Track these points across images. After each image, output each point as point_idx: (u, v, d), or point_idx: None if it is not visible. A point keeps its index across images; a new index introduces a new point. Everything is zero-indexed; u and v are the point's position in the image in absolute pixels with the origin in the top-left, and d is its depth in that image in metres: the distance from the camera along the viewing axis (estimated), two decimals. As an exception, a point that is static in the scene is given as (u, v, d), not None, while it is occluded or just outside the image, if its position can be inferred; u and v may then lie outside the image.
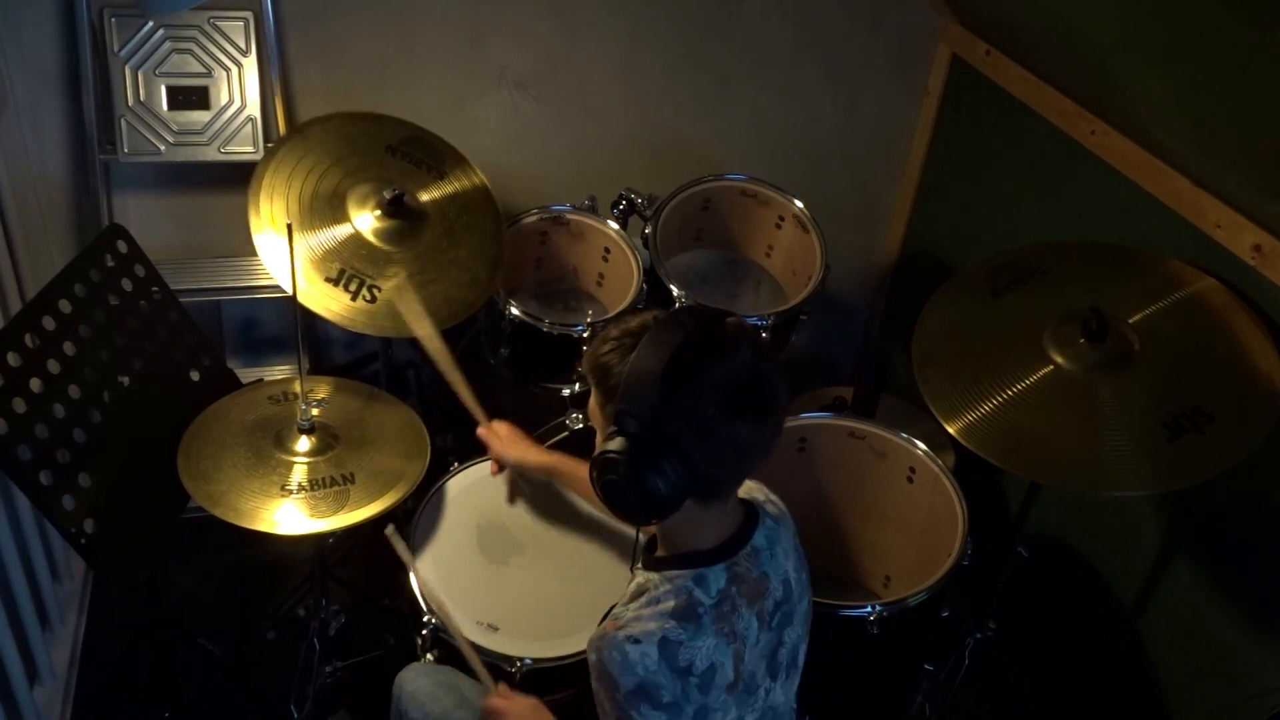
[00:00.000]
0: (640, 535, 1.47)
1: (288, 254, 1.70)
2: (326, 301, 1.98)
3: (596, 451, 1.26)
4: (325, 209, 2.06)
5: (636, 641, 1.23)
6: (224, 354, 2.69)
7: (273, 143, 2.48)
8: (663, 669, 1.23)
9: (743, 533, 1.35)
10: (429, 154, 2.24)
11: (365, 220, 2.08)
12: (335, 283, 2.00)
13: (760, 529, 1.37)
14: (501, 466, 1.93)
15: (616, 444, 1.22)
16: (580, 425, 2.30)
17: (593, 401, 1.34)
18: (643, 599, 1.30)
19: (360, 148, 2.17)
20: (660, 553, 1.36)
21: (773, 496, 1.47)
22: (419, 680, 1.71)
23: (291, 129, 2.15)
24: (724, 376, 1.22)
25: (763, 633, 1.33)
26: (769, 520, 1.39)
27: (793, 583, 1.39)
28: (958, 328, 1.98)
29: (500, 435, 1.89)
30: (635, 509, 1.26)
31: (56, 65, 2.35)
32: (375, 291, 2.02)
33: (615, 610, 1.32)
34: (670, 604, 1.27)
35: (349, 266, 2.02)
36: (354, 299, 2.00)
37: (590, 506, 1.91)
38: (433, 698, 1.67)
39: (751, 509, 1.39)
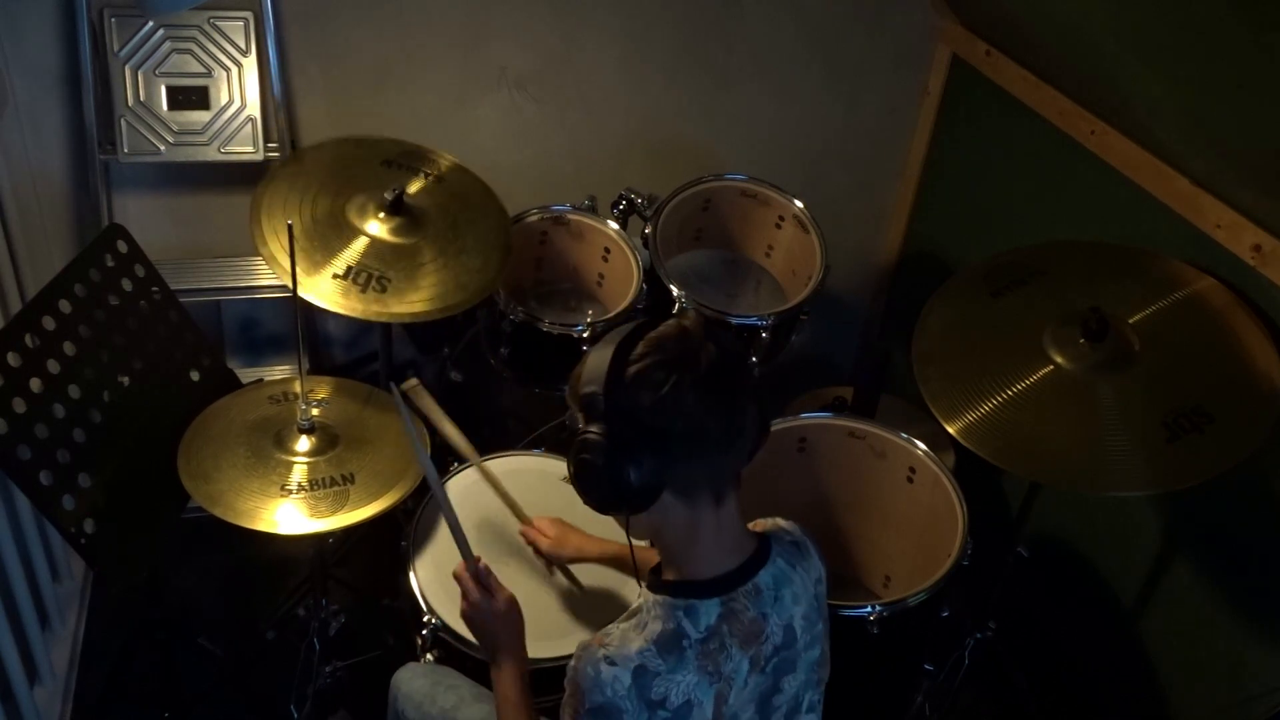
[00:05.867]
0: (634, 550, 1.45)
1: (288, 253, 1.70)
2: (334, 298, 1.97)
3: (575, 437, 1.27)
4: (330, 231, 2.05)
5: (612, 663, 1.22)
6: (224, 354, 2.69)
7: (273, 143, 2.48)
8: (631, 696, 1.22)
9: (746, 568, 1.32)
10: (421, 161, 2.25)
11: (374, 227, 2.07)
12: (343, 276, 1.99)
13: (768, 568, 1.33)
14: (552, 565, 1.84)
15: (590, 427, 1.24)
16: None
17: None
18: (634, 620, 1.29)
19: (350, 165, 2.17)
20: (663, 576, 1.34)
21: (801, 537, 1.42)
22: (415, 680, 1.70)
23: (278, 164, 2.15)
24: (677, 349, 1.23)
25: (753, 675, 1.30)
26: (782, 561, 1.35)
27: (798, 630, 1.35)
28: (958, 328, 1.98)
29: (549, 534, 1.82)
30: (605, 493, 1.25)
31: (56, 65, 2.35)
32: (385, 283, 2.01)
33: (609, 625, 1.30)
34: (656, 629, 1.25)
35: (363, 268, 2.02)
36: (362, 291, 1.99)
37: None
38: (430, 698, 1.66)
39: (765, 546, 1.36)
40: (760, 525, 1.42)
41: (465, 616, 1.53)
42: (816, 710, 1.43)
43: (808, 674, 1.38)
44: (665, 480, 1.24)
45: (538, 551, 1.84)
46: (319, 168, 2.16)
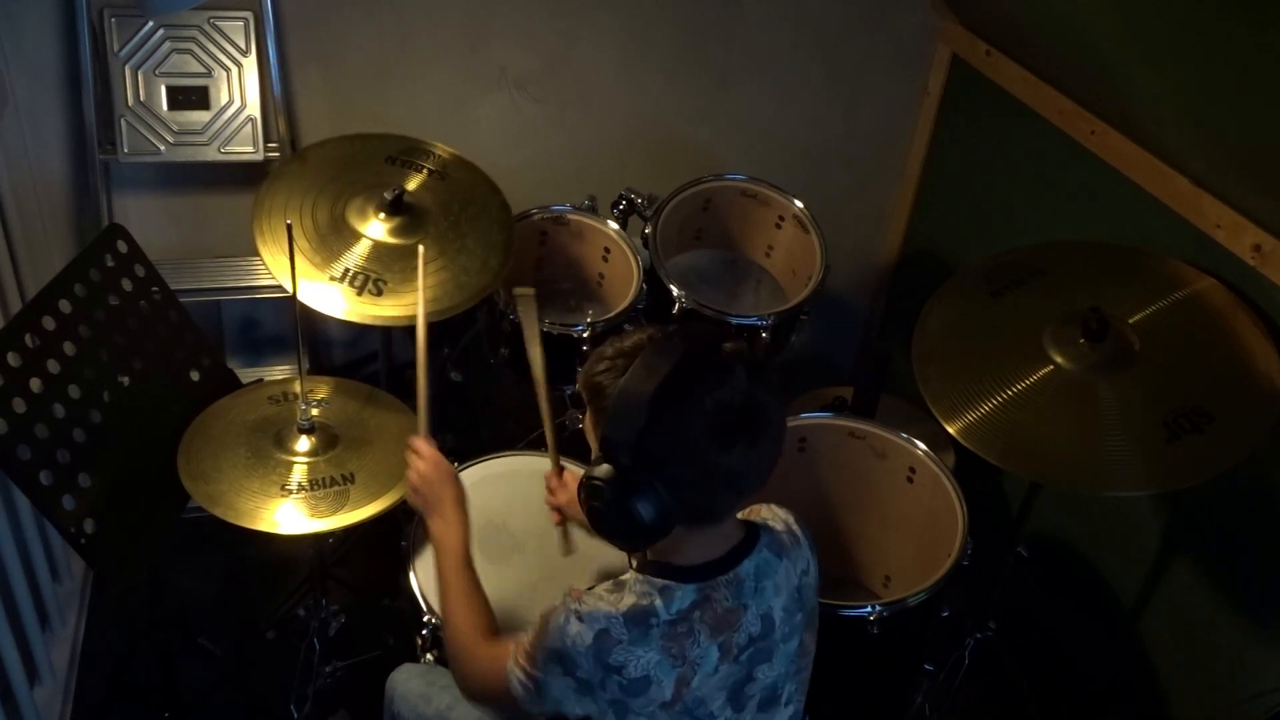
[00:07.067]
0: None
1: (288, 253, 1.70)
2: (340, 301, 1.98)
3: (584, 475, 1.27)
4: (333, 236, 2.05)
5: (580, 620, 1.26)
6: (224, 354, 2.69)
7: (273, 143, 2.48)
8: (589, 654, 1.25)
9: (729, 559, 1.32)
10: (423, 156, 2.25)
11: (375, 229, 2.07)
12: (340, 279, 1.99)
13: (752, 559, 1.33)
14: (563, 517, 1.83)
15: (602, 471, 1.23)
16: (580, 425, 2.30)
17: (587, 419, 1.33)
18: (615, 585, 1.31)
19: (353, 164, 2.17)
20: (647, 555, 1.36)
21: (794, 527, 1.42)
22: (410, 681, 1.71)
23: (278, 165, 2.14)
24: (715, 404, 1.20)
25: (724, 664, 1.30)
26: (768, 552, 1.35)
27: (776, 621, 1.34)
28: (958, 328, 1.98)
29: (567, 491, 1.81)
30: (621, 535, 1.27)
31: (56, 65, 2.35)
32: (381, 285, 2.01)
33: (597, 585, 1.33)
34: (630, 601, 1.27)
35: (361, 270, 2.01)
36: (358, 293, 1.99)
37: None
38: (424, 698, 1.66)
39: (752, 536, 1.35)
40: (754, 513, 1.43)
41: (412, 485, 1.58)
42: (795, 701, 1.43)
43: (786, 665, 1.38)
44: (682, 520, 1.26)
45: (553, 502, 1.82)
46: (321, 168, 2.15)
